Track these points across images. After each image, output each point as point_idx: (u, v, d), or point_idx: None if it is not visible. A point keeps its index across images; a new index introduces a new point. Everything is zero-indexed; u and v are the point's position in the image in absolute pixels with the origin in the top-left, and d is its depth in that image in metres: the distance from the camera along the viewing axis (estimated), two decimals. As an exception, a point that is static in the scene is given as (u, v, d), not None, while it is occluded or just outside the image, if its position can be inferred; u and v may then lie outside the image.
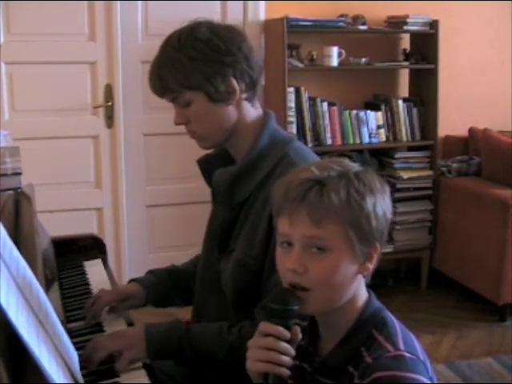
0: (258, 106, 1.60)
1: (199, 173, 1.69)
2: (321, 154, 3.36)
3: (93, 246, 2.13)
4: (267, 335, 1.10)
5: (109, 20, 3.51)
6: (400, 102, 3.92)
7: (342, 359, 1.14)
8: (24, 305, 1.07)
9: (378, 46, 4.00)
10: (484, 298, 3.68)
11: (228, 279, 1.55)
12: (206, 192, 1.74)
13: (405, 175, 3.89)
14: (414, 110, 3.95)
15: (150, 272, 1.81)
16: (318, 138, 3.76)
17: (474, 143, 4.06)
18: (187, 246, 3.66)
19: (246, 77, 1.52)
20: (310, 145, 3.66)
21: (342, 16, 3.79)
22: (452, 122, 4.15)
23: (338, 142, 3.80)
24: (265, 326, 1.11)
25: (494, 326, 3.56)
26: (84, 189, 3.66)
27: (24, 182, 1.95)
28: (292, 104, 3.67)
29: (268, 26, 3.77)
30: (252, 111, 1.58)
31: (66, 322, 1.57)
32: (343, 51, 3.76)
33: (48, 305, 1.21)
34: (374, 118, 3.86)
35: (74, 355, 1.24)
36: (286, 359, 1.09)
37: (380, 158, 4.00)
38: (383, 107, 3.90)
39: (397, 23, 3.89)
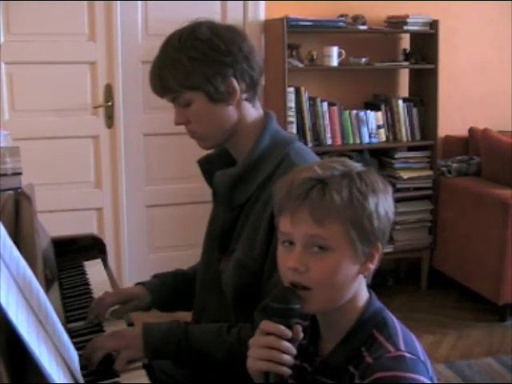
0: (259, 107, 1.60)
1: (199, 173, 1.68)
2: (321, 154, 3.36)
3: (93, 246, 2.13)
4: (268, 334, 1.10)
5: (109, 20, 3.51)
6: (400, 102, 3.92)
7: (342, 359, 1.13)
8: (24, 305, 1.07)
9: (378, 46, 4.00)
10: (484, 298, 3.68)
11: (228, 280, 1.55)
12: (206, 192, 1.74)
13: (405, 175, 3.89)
14: (414, 110, 3.95)
15: (155, 276, 1.81)
16: (318, 138, 3.76)
17: (473, 143, 4.06)
18: (187, 246, 3.68)
19: (246, 77, 1.52)
20: (309, 145, 3.66)
21: (342, 16, 3.79)
22: (452, 122, 4.15)
23: (338, 142, 3.80)
24: (266, 324, 1.11)
25: (494, 326, 3.56)
26: (84, 189, 3.66)
27: (24, 182, 1.95)
28: (292, 104, 3.66)
29: (268, 26, 3.77)
30: (253, 111, 1.57)
31: (66, 322, 1.57)
32: (343, 51, 3.76)
33: (48, 305, 1.21)
34: (374, 118, 3.86)
35: (74, 355, 1.24)
36: (288, 358, 1.09)
37: (380, 157, 3.99)
38: (383, 107, 3.90)
39: (397, 23, 3.89)
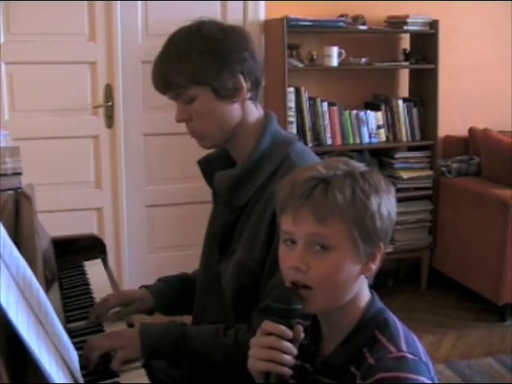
0: (260, 107, 1.60)
1: (199, 173, 1.68)
2: (321, 154, 3.36)
3: (93, 246, 2.13)
4: (269, 334, 1.10)
5: (109, 20, 3.51)
6: (400, 102, 3.92)
7: (344, 359, 1.13)
8: (24, 305, 1.07)
9: (378, 46, 4.00)
10: (484, 298, 3.68)
11: (228, 280, 1.54)
12: (206, 192, 1.73)
13: (405, 175, 3.89)
14: (414, 110, 3.95)
15: (160, 280, 1.81)
16: (318, 138, 3.76)
17: (474, 143, 4.06)
18: (187, 246, 3.68)
19: (252, 75, 1.52)
20: (310, 145, 3.66)
21: (342, 16, 3.79)
22: (452, 122, 4.15)
23: (338, 142, 3.80)
24: (267, 324, 1.11)
25: (494, 326, 3.56)
26: (84, 189, 3.66)
27: (24, 182, 1.95)
28: (292, 104, 3.66)
29: (268, 26, 3.77)
30: (255, 111, 1.57)
31: (66, 322, 1.57)
32: (343, 51, 3.76)
33: (48, 305, 1.21)
34: (374, 117, 3.86)
35: (73, 355, 1.24)
36: (288, 358, 1.09)
37: (380, 157, 3.99)
38: (383, 107, 3.90)
39: (397, 23, 3.89)
